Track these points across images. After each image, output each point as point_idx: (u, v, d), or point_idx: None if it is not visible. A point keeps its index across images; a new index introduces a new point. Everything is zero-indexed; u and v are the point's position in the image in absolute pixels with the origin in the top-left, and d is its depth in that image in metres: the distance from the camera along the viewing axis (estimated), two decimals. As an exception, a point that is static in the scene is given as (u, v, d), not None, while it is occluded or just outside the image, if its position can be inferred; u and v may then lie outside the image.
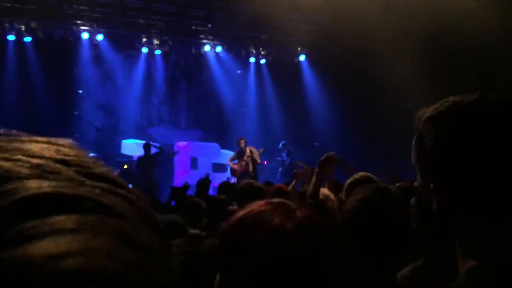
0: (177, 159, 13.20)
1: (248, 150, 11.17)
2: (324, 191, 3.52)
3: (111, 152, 12.71)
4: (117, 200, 0.32)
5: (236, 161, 11.43)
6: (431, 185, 0.91)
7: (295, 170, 5.76)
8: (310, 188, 3.35)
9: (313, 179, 3.33)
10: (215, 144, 14.10)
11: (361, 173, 2.91)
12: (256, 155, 11.18)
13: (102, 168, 0.35)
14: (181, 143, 13.76)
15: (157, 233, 0.34)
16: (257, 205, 0.92)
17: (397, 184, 3.37)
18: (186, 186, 7.83)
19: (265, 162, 12.98)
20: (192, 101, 14.92)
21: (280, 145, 13.54)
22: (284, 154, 13.52)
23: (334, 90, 13.81)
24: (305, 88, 15.14)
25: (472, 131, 0.87)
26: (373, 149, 11.93)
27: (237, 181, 10.16)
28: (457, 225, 0.90)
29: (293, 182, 5.37)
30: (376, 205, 1.60)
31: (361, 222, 1.58)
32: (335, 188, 3.91)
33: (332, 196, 3.55)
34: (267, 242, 0.85)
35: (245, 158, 11.16)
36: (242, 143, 11.34)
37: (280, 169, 13.36)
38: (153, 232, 0.34)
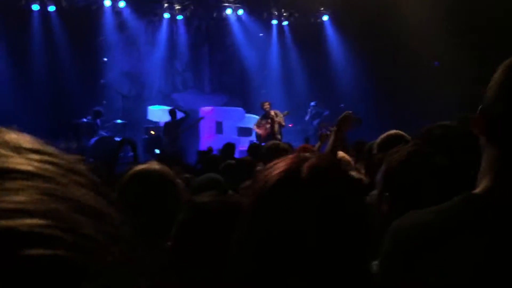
0: (202, 124, 13.32)
1: (272, 113, 11.17)
2: (342, 154, 3.50)
3: (138, 119, 12.93)
4: (43, 165, 0.36)
5: (261, 125, 11.47)
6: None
7: (320, 132, 5.80)
8: (328, 147, 3.37)
9: (332, 138, 3.36)
10: (239, 109, 14.18)
11: (394, 131, 2.85)
12: (281, 118, 11.19)
13: (35, 144, 0.39)
14: (206, 108, 13.85)
15: (96, 192, 0.38)
16: (280, 160, 0.99)
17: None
18: (210, 150, 8.08)
19: (290, 125, 12.95)
20: (215, 66, 14.95)
21: (310, 107, 13.55)
22: (309, 116, 13.56)
23: (358, 51, 13.59)
24: (328, 50, 14.96)
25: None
26: (399, 110, 11.41)
27: (263, 141, 10.26)
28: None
29: (318, 144, 5.39)
30: (426, 155, 1.58)
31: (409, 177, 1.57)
32: (360, 147, 3.90)
33: (350, 160, 3.51)
34: (284, 182, 0.91)
35: (269, 121, 11.19)
36: (267, 106, 11.31)
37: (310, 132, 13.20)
38: (89, 191, 0.37)
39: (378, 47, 12.59)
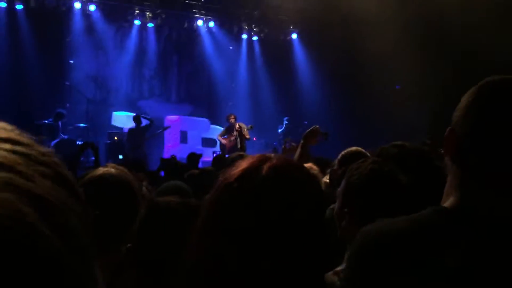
0: (167, 132, 13.23)
1: (237, 126, 11.18)
2: (310, 165, 3.47)
3: (101, 123, 12.72)
4: (10, 155, 0.38)
5: (226, 136, 11.49)
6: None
7: (283, 146, 5.90)
8: (295, 158, 3.39)
9: (298, 151, 3.41)
10: (205, 119, 14.13)
11: (354, 148, 2.86)
12: (245, 131, 11.19)
13: (10, 134, 0.41)
14: (172, 117, 13.77)
15: (63, 186, 0.39)
16: (244, 160, 1.00)
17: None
18: (173, 158, 7.88)
19: (254, 138, 13.02)
20: (183, 76, 14.86)
21: (284, 124, 13.54)
22: (282, 129, 13.54)
23: (324, 70, 13.77)
24: (296, 67, 15.12)
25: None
26: (360, 130, 11.95)
27: (227, 154, 10.25)
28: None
29: None
30: (387, 173, 1.60)
31: (371, 187, 1.58)
32: (321, 163, 3.86)
33: (317, 170, 3.52)
34: (243, 179, 0.93)
35: (234, 133, 11.21)
36: (232, 119, 11.33)
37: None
38: (55, 184, 0.39)
39: (343, 68, 12.72)
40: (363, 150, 2.81)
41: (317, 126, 3.58)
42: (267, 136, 13.96)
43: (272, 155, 1.00)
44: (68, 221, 0.37)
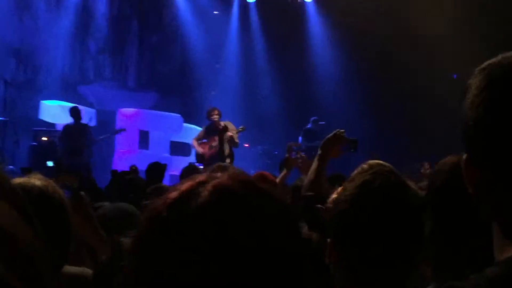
0: (120, 133, 13.04)
1: (222, 125, 11.18)
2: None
3: (25, 117, 12.65)
4: None
5: (205, 140, 11.40)
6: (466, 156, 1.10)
7: (286, 155, 5.86)
8: (309, 175, 3.48)
9: (314, 164, 3.48)
10: (176, 115, 14.07)
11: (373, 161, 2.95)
12: (234, 134, 11.18)
13: None
14: (127, 111, 13.65)
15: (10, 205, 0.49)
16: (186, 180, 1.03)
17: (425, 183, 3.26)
18: (133, 169, 8.05)
19: (246, 145, 13.13)
20: (146, 51, 14.97)
21: (310, 124, 13.48)
22: (300, 138, 13.39)
23: (351, 49, 13.76)
24: (309, 41, 15.06)
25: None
26: (403, 133, 12.12)
27: (205, 166, 10.05)
28: (502, 203, 1.06)
29: (283, 172, 5.55)
30: (377, 189, 1.72)
31: (357, 215, 1.71)
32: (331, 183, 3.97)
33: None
34: (175, 208, 0.95)
35: (217, 137, 11.19)
36: (215, 116, 11.31)
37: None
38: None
39: (379, 47, 12.99)
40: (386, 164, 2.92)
41: (341, 130, 3.65)
42: (265, 141, 13.94)
43: (232, 168, 1.05)
44: (18, 248, 0.47)
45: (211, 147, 11.26)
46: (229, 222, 0.93)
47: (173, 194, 0.97)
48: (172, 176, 11.69)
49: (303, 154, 5.49)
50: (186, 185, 0.98)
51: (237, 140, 11.22)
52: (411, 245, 1.71)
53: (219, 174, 1.00)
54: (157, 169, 7.13)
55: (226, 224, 0.92)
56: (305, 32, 15.19)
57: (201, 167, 10.08)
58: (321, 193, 3.23)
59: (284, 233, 0.97)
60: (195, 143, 11.51)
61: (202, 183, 0.97)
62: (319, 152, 3.55)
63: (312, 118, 13.53)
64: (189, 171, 6.64)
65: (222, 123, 11.23)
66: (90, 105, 13.41)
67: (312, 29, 15.15)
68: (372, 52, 13.17)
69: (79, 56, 14.36)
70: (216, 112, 11.34)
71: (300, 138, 13.35)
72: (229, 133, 11.10)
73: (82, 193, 2.67)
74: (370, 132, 12.04)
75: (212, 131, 11.28)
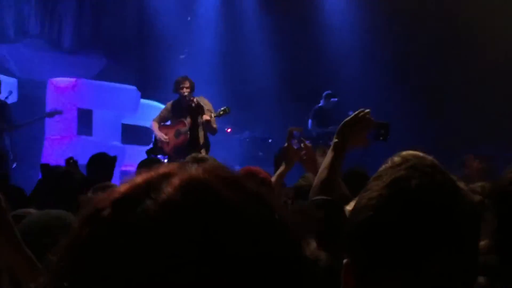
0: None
1: (194, 102, 10.79)
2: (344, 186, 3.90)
3: None
4: None
5: (170, 123, 11.22)
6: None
7: (286, 145, 5.73)
8: (320, 172, 3.60)
9: (328, 157, 3.60)
10: (130, 87, 14.10)
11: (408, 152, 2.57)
12: (211, 114, 10.88)
13: None
14: (62, 81, 13.62)
15: None
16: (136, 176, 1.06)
17: (479, 184, 3.74)
18: (71, 162, 7.53)
19: (228, 130, 13.75)
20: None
21: (322, 101, 13.44)
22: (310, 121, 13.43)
23: (381, 11, 13.98)
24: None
25: None
26: (444, 122, 12.77)
27: (169, 159, 10.46)
28: None
29: (281, 168, 5.63)
30: (414, 191, 1.64)
31: (386, 226, 1.64)
32: (356, 181, 4.16)
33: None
34: (127, 206, 0.94)
35: (187, 119, 10.84)
36: (185, 89, 10.85)
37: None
38: None
39: (420, 21, 13.48)
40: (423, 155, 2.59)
41: (366, 110, 3.75)
42: (255, 126, 14.38)
43: (212, 160, 1.31)
44: None
45: (178, 133, 11.04)
46: (195, 231, 0.89)
47: (122, 188, 0.96)
48: (124, 172, 11.78)
49: (308, 143, 5.28)
50: (141, 177, 0.97)
51: (214, 125, 11.06)
52: (463, 267, 1.60)
53: (192, 166, 0.99)
54: (103, 162, 7.36)
55: (191, 232, 0.89)
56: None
57: (165, 160, 10.48)
58: (338, 198, 3.40)
59: (263, 236, 0.93)
60: (155, 127, 11.29)
61: (166, 176, 0.95)
62: (335, 140, 3.68)
63: (325, 93, 13.34)
64: (149, 166, 5.81)
65: (195, 99, 10.90)
66: (8, 72, 13.15)
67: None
68: (411, 23, 13.55)
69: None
70: (187, 83, 11.04)
71: (310, 121, 13.38)
72: (206, 116, 10.86)
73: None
74: (404, 114, 12.47)
75: (181, 110, 11.08)
